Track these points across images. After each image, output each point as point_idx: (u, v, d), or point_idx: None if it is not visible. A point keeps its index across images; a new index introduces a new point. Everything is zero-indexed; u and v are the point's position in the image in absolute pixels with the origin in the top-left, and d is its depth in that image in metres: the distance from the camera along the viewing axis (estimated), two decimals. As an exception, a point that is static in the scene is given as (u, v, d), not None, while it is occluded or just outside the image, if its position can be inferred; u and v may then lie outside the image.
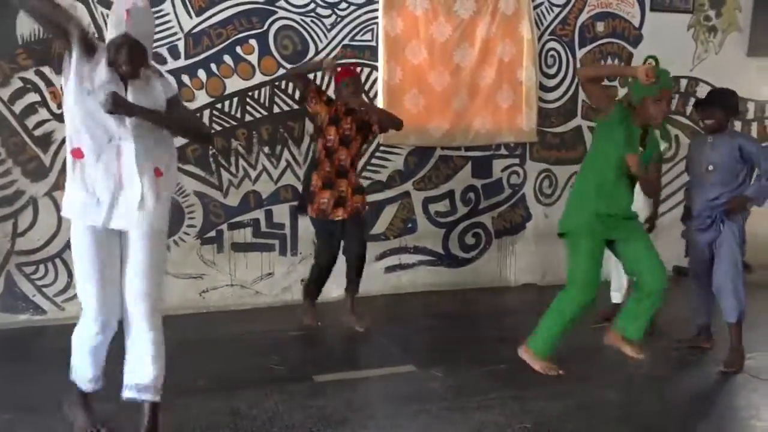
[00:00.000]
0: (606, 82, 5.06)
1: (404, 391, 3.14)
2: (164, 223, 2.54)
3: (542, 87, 5.15)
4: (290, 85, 4.47)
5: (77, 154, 2.39)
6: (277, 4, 4.45)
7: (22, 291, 4.13)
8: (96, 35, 4.07)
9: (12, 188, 4.06)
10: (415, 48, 4.75)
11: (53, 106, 4.08)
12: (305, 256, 4.65)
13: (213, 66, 4.36)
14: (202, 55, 4.33)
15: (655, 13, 5.41)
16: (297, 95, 4.50)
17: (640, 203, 3.68)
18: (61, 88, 3.98)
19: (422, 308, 4.64)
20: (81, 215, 2.43)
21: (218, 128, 4.41)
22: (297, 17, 4.51)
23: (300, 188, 4.60)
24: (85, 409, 2.60)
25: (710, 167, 3.54)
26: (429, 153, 4.93)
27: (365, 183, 4.75)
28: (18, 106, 4.03)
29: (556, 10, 5.15)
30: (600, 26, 5.30)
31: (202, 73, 4.33)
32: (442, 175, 5.00)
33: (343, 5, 4.61)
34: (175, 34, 4.24)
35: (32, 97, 4.04)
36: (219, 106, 4.39)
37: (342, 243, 3.97)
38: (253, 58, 4.44)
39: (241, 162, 4.49)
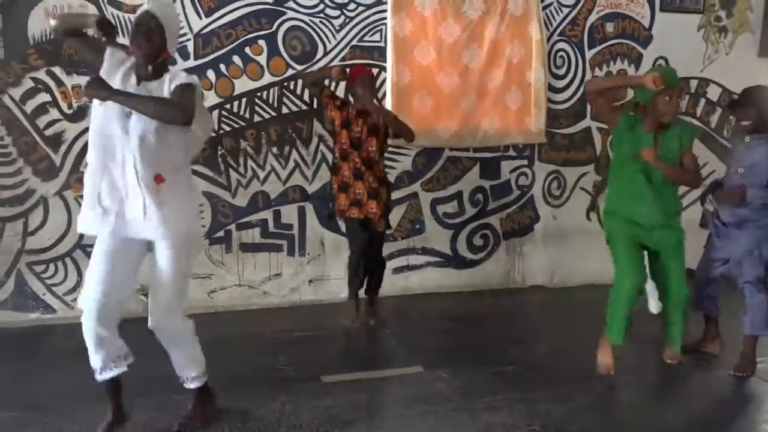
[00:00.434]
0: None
1: (412, 392, 3.14)
2: (182, 230, 2.56)
3: (551, 88, 5.13)
4: (299, 86, 4.48)
5: (87, 167, 2.49)
6: (286, 5, 4.46)
7: (33, 289, 4.15)
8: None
9: (23, 187, 4.09)
10: (424, 49, 4.75)
11: (64, 106, 4.10)
12: (313, 257, 4.65)
13: (222, 67, 4.37)
14: (212, 56, 4.35)
15: (665, 13, 5.38)
16: (306, 97, 4.52)
17: None
18: (72, 88, 4.09)
19: (430, 309, 4.64)
20: (92, 227, 2.50)
21: (227, 129, 4.42)
22: (306, 18, 4.51)
23: (309, 190, 4.62)
24: (113, 399, 2.63)
25: (740, 169, 3.39)
26: (437, 154, 4.93)
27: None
28: (29, 106, 4.05)
29: (566, 10, 5.13)
30: (609, 27, 5.27)
31: (211, 74, 4.35)
32: (451, 176, 4.99)
33: (352, 6, 4.61)
34: (184, 34, 4.26)
35: (43, 97, 4.07)
36: (228, 106, 4.41)
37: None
38: (262, 59, 4.45)
39: (250, 162, 4.50)
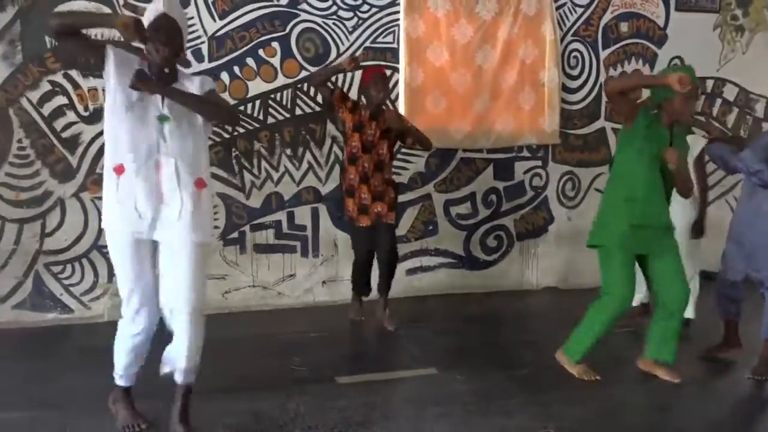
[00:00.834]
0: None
1: (426, 393, 3.13)
2: (208, 235, 2.61)
3: (565, 88, 5.10)
4: (312, 87, 4.49)
5: (119, 170, 2.46)
6: (299, 7, 4.48)
7: (50, 290, 4.20)
8: (122, 40, 4.13)
9: (40, 189, 4.14)
10: (437, 50, 4.75)
11: (80, 108, 4.15)
12: (327, 257, 4.67)
13: (236, 69, 4.39)
14: (226, 58, 4.37)
15: (680, 12, 5.34)
16: (319, 98, 4.53)
17: (678, 209, 3.63)
18: (88, 90, 4.12)
19: (443, 311, 4.63)
20: (122, 226, 2.49)
21: (241, 130, 4.45)
22: (319, 20, 4.53)
23: (322, 191, 4.63)
24: (127, 405, 2.67)
25: None
26: (450, 155, 4.92)
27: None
28: (47, 109, 4.10)
29: (579, 10, 5.11)
30: (624, 26, 5.24)
31: (225, 76, 4.37)
32: (464, 177, 4.98)
33: (365, 7, 4.62)
34: (198, 37, 4.29)
35: (60, 100, 4.12)
36: (242, 108, 4.43)
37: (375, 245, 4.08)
38: (276, 61, 4.47)
39: (264, 164, 4.52)
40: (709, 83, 5.48)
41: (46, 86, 4.08)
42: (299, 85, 4.52)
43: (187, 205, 2.48)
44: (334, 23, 4.56)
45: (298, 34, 4.50)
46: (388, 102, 4.37)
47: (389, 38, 4.69)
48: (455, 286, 5.00)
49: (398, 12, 4.66)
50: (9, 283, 4.11)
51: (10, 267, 4.11)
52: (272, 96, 4.49)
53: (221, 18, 4.34)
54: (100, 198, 4.11)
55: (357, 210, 3.97)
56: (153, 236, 2.51)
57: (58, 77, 4.09)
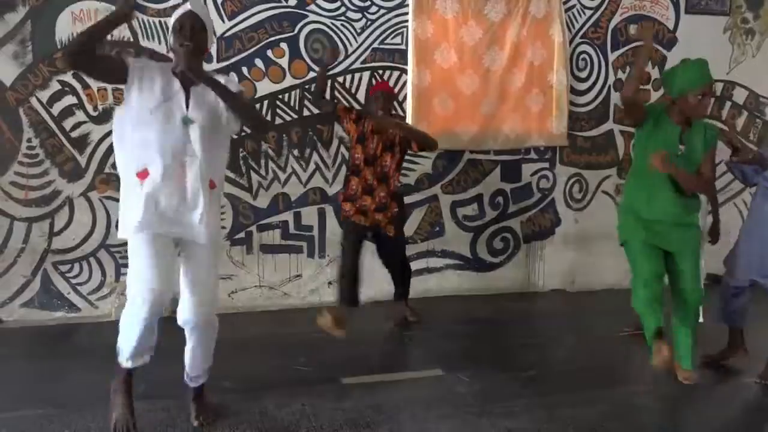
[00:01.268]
0: (641, 86, 4.99)
1: (431, 395, 3.13)
2: (221, 235, 2.65)
3: (573, 90, 5.09)
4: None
5: (143, 174, 2.47)
6: (307, 8, 4.49)
7: (58, 289, 4.22)
8: (131, 40, 4.16)
9: (49, 188, 4.16)
10: (445, 51, 4.74)
11: (89, 108, 4.17)
12: (333, 258, 4.67)
13: (244, 69, 4.41)
14: (234, 59, 4.39)
15: (690, 15, 5.31)
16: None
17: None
18: (98, 90, 4.15)
19: (450, 312, 4.62)
20: (146, 228, 2.47)
21: (249, 131, 4.46)
22: (327, 21, 4.54)
23: (329, 192, 4.64)
24: (126, 401, 2.63)
25: None
26: (457, 156, 4.92)
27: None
28: (56, 109, 4.12)
29: (588, 12, 5.09)
30: (633, 29, 5.22)
31: (233, 77, 4.38)
32: (471, 179, 4.98)
33: (374, 9, 4.62)
34: (207, 37, 4.30)
35: (69, 100, 4.14)
36: (250, 108, 4.44)
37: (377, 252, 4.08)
38: (284, 62, 4.48)
39: (271, 164, 4.53)
40: (719, 86, 5.45)
41: (55, 86, 4.11)
42: (307, 86, 4.52)
43: (204, 206, 2.52)
44: (342, 24, 4.57)
45: (306, 35, 4.51)
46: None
47: (398, 39, 4.69)
48: (461, 287, 4.99)
49: (407, 13, 4.66)
50: (17, 282, 4.14)
51: (19, 266, 4.13)
52: (280, 97, 4.50)
53: (230, 19, 4.36)
54: (108, 197, 4.20)
55: (354, 210, 3.91)
56: (176, 236, 2.54)
57: (68, 77, 4.12)
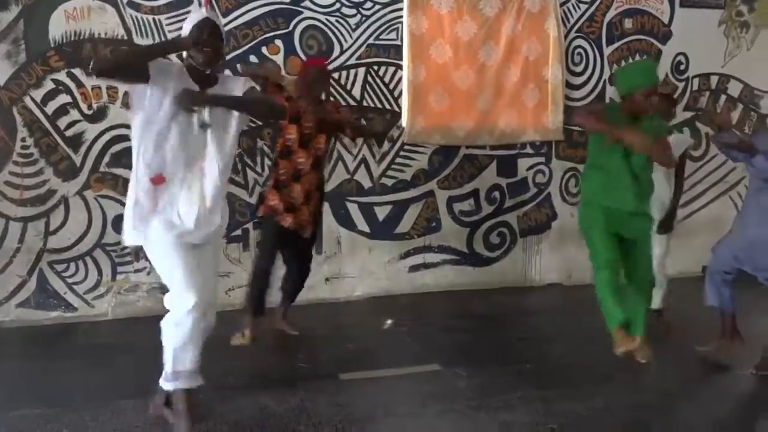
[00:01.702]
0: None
1: (429, 389, 3.13)
2: (222, 233, 2.80)
3: (568, 85, 5.09)
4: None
5: (158, 179, 2.48)
6: (302, 5, 4.48)
7: (54, 288, 4.21)
8: (125, 38, 4.15)
9: (44, 187, 4.15)
10: (440, 47, 4.74)
11: (84, 106, 4.16)
12: (330, 255, 4.67)
13: (239, 66, 4.39)
14: (229, 56, 4.36)
15: (685, 9, 5.32)
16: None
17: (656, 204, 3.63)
18: (92, 89, 4.13)
19: (447, 307, 4.63)
20: (165, 233, 2.49)
21: (244, 128, 4.42)
22: (322, 17, 4.53)
23: (324, 189, 4.62)
24: (189, 409, 2.61)
25: None
26: (453, 152, 4.92)
27: (389, 182, 4.77)
28: (50, 107, 4.11)
29: (583, 7, 5.09)
30: (628, 23, 5.22)
31: (228, 74, 4.37)
32: (467, 174, 4.98)
33: (368, 4, 4.62)
34: (202, 35, 4.29)
35: (64, 99, 4.13)
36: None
37: (288, 253, 3.79)
38: (279, 58, 4.47)
39: (267, 161, 4.52)
40: (714, 79, 5.46)
41: (49, 85, 4.09)
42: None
43: (214, 209, 2.57)
44: (337, 20, 4.56)
45: (301, 31, 4.50)
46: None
47: (392, 35, 4.69)
48: (458, 282, 4.99)
49: (401, 9, 4.66)
50: (13, 282, 4.13)
51: (15, 265, 4.12)
52: (275, 93, 4.48)
53: (225, 15, 4.34)
54: (104, 195, 4.19)
55: (283, 206, 3.55)
56: (195, 240, 2.56)
57: (62, 76, 4.10)
